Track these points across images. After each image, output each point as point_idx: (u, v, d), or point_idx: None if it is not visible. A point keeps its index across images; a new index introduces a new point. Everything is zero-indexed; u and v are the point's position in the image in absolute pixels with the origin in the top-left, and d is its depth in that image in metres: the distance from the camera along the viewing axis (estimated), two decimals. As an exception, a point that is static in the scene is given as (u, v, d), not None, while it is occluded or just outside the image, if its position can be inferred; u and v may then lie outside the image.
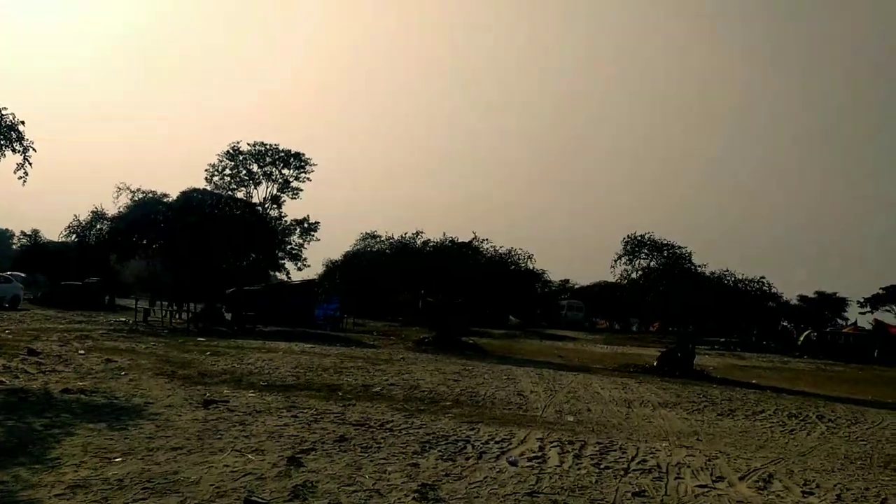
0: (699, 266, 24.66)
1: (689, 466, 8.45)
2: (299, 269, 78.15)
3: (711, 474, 8.16)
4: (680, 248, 25.36)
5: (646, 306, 24.84)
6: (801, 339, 45.49)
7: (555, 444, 9.30)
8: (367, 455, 7.73)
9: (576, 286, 78.47)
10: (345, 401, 12.14)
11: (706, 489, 7.38)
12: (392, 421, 10.38)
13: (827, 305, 75.45)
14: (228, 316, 30.78)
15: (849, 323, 59.49)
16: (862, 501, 7.55)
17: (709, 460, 8.93)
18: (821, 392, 22.49)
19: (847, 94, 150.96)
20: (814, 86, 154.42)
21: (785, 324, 67.92)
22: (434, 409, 12.04)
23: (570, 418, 11.97)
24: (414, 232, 27.29)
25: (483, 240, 27.86)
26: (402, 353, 22.44)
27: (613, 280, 26.30)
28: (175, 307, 31.84)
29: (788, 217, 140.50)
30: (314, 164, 74.01)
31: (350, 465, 7.27)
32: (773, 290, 24.78)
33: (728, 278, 24.39)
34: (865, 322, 57.89)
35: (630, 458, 8.78)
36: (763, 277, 24.30)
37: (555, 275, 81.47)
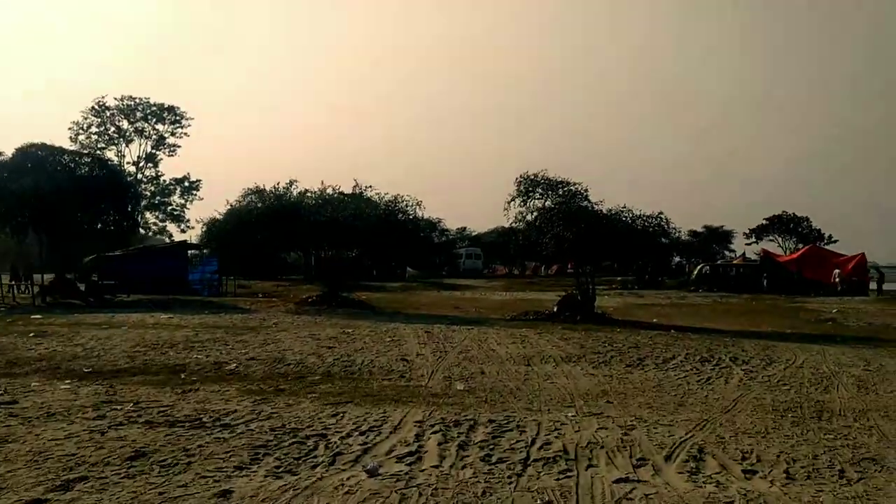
0: (596, 203, 23.31)
1: (602, 447, 6.68)
2: (183, 230, 72.96)
3: (631, 455, 6.41)
4: (575, 184, 23.96)
5: (542, 249, 23.30)
6: (695, 273, 45.82)
7: (437, 427, 7.35)
8: (163, 480, 5.49)
9: (473, 233, 77.42)
10: (186, 386, 9.82)
11: (628, 484, 5.59)
12: (235, 411, 8.16)
13: (714, 238, 77.62)
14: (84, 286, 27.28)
15: (737, 255, 61.00)
16: (816, 476, 5.97)
17: (625, 434, 7.19)
18: (723, 327, 21.76)
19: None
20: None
21: (677, 258, 69.37)
22: (297, 387, 9.89)
23: (460, 386, 10.08)
24: (288, 182, 24.60)
25: (366, 187, 25.55)
26: (278, 317, 20.05)
27: (508, 224, 24.62)
28: (20, 280, 27.97)
29: (676, 148, 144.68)
30: (190, 119, 68.64)
31: (129, 500, 5.03)
32: (672, 225, 23.76)
33: (626, 215, 23.11)
34: (752, 253, 59.46)
35: (530, 440, 6.93)
36: (661, 213, 23.18)
37: (451, 222, 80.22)
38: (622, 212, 23.08)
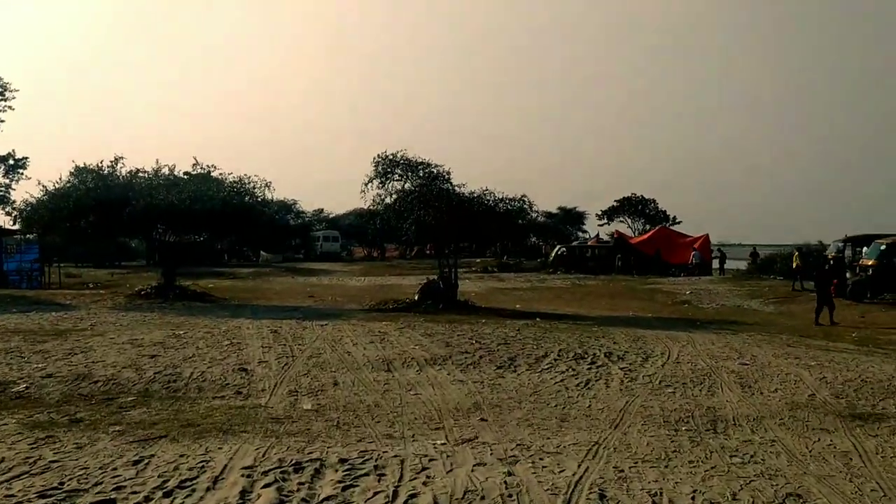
0: (458, 186, 22.12)
1: (483, 496, 5.29)
2: (8, 213, 65.50)
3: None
4: (437, 166, 22.61)
5: (402, 233, 21.87)
6: (553, 255, 46.17)
7: (272, 477, 5.67)
8: None
9: (331, 215, 74.91)
10: (-58, 422, 7.51)
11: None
12: (1, 461, 6.09)
13: (569, 220, 79.61)
14: None
15: (591, 236, 62.53)
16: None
17: (509, 473, 5.84)
18: (587, 312, 21.34)
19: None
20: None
21: (534, 240, 70.39)
22: (101, 414, 7.87)
23: (308, 405, 8.42)
24: (112, 159, 21.53)
25: (209, 166, 22.94)
26: (101, 315, 17.35)
27: (366, 207, 22.91)
28: None
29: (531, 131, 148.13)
30: (15, 90, 61.62)
31: None
32: (535, 208, 22.99)
33: (489, 198, 22.11)
34: (604, 234, 61.13)
35: (392, 488, 5.43)
36: (524, 196, 22.36)
37: (307, 204, 77.25)
38: (485, 194, 22.08)
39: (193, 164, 22.41)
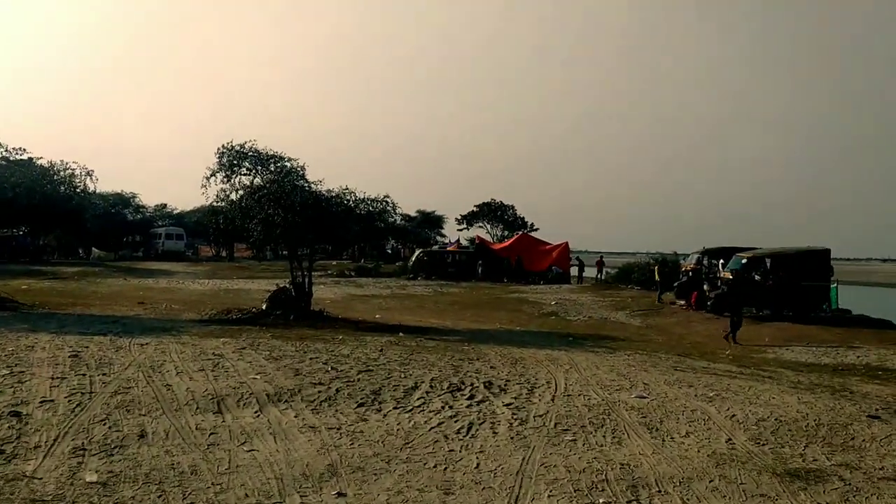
0: (315, 183, 19.85)
1: None
2: None
3: None
4: (291, 160, 20.26)
5: (249, 234, 19.29)
6: (413, 259, 44.57)
7: None
8: None
9: (175, 211, 69.52)
10: None
11: None
12: None
13: (427, 223, 78.62)
14: None
15: (450, 241, 61.64)
16: None
17: None
18: (453, 325, 19.75)
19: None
20: None
21: (393, 243, 68.72)
22: None
23: (92, 476, 6.00)
24: None
25: (17, 149, 19.15)
26: None
27: (209, 203, 20.04)
28: None
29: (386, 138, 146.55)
30: None
31: None
32: (398, 209, 21.07)
33: (349, 197, 19.96)
34: (464, 239, 60.46)
35: None
36: (387, 196, 20.43)
37: (149, 198, 71.50)
38: (345, 193, 19.92)
39: (-5, 145, 18.61)
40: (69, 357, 10.72)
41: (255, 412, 8.27)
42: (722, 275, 24.69)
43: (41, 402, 8.20)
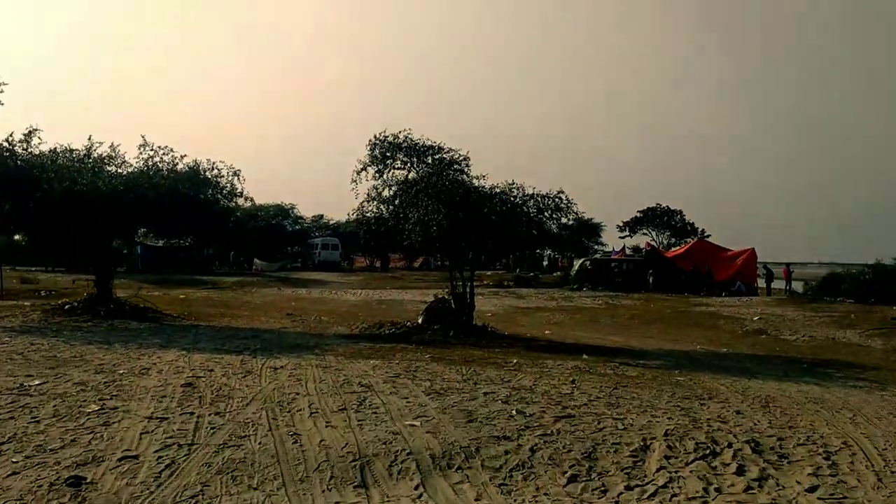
0: (480, 177, 17.04)
1: None
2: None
3: None
4: (450, 151, 17.60)
5: (403, 237, 16.81)
6: (576, 268, 40.95)
7: None
8: None
9: (332, 221, 69.87)
10: None
11: None
12: None
13: (583, 231, 74.28)
14: None
15: (615, 250, 57.28)
16: None
17: None
18: (643, 345, 16.30)
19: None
20: None
21: (549, 252, 65.19)
22: None
23: None
24: (27, 131, 16.33)
25: (161, 148, 17.79)
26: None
27: (359, 203, 17.65)
28: None
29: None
30: (4, 84, 56.91)
31: None
32: (574, 205, 17.56)
33: (515, 192, 16.93)
34: (628, 247, 56.01)
35: None
36: (561, 192, 17.10)
37: (306, 209, 72.50)
38: (512, 188, 16.94)
39: (141, 146, 17.35)
40: (181, 386, 8.42)
41: (416, 487, 5.41)
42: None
43: (120, 460, 5.76)
